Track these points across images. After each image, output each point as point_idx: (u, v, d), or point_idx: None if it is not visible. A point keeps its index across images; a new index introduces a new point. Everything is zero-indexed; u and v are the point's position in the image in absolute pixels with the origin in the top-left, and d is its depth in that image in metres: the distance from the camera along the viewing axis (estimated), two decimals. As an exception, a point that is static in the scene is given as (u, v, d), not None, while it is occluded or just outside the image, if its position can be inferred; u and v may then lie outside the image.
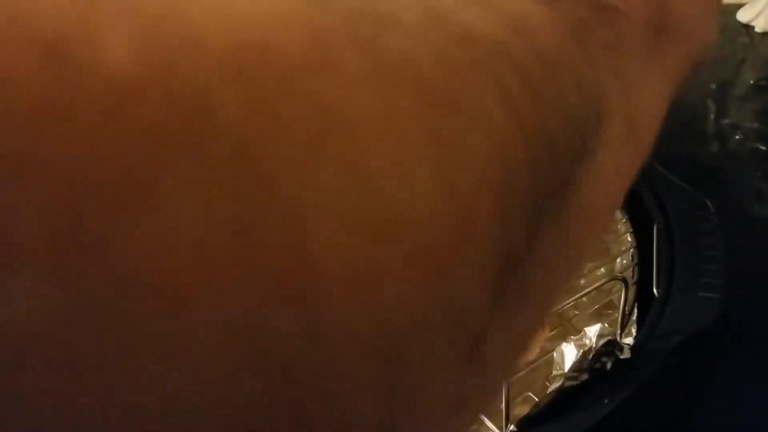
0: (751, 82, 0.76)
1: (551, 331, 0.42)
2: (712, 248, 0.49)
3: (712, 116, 0.71)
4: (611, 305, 0.50)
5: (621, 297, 0.41)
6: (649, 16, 0.20)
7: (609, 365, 0.43)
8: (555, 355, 0.41)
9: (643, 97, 0.19)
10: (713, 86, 0.75)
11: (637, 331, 0.46)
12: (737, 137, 0.68)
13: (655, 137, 0.21)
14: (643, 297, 0.49)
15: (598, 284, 0.40)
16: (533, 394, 0.45)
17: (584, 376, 0.42)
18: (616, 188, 0.18)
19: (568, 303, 0.41)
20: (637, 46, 0.19)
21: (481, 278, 0.11)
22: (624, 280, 0.40)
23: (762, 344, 0.49)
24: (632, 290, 0.50)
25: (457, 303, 0.11)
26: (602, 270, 0.54)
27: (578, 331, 0.47)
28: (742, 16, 0.82)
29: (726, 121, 0.71)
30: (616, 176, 0.17)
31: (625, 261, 0.53)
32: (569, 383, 0.41)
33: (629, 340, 0.45)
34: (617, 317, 0.42)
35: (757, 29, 0.81)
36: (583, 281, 0.53)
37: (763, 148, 0.66)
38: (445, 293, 0.10)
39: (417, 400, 0.11)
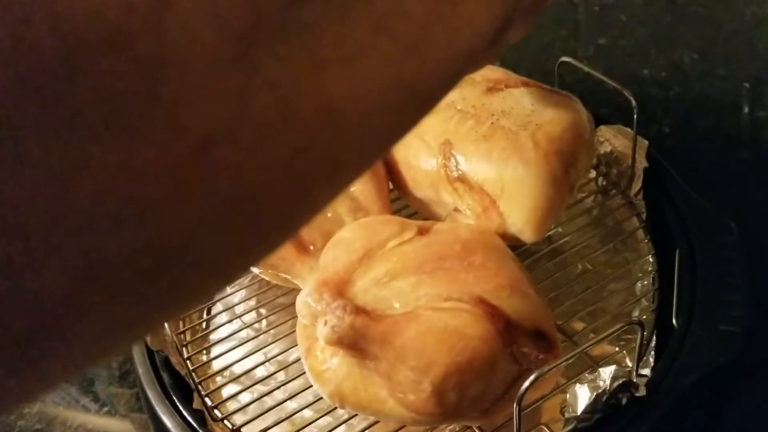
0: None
1: (566, 359, 0.41)
2: (736, 276, 0.48)
3: (745, 116, 0.69)
4: (631, 330, 0.49)
5: (639, 334, 0.40)
6: None
7: (624, 401, 0.42)
8: (568, 396, 0.41)
9: None
10: (746, 85, 0.72)
11: (655, 362, 0.46)
12: (770, 142, 0.66)
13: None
14: (662, 324, 0.48)
15: (612, 330, 0.39)
16: (546, 426, 0.45)
17: (598, 416, 0.41)
18: None
19: (584, 348, 0.40)
20: None
21: None
22: (640, 324, 0.39)
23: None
24: (651, 319, 0.49)
25: None
26: (623, 291, 0.53)
27: (593, 359, 0.47)
28: (781, 7, 0.79)
29: (762, 113, 0.69)
30: None
31: (645, 282, 0.52)
32: (582, 425, 0.40)
33: (646, 371, 0.45)
34: (634, 355, 0.41)
35: (797, 22, 0.77)
36: (604, 297, 0.52)
37: (797, 155, 0.64)
38: None
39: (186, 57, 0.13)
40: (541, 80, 0.62)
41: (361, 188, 0.51)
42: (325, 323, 0.39)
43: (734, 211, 0.57)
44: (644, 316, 0.49)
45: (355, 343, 0.39)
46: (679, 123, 0.69)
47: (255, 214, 0.16)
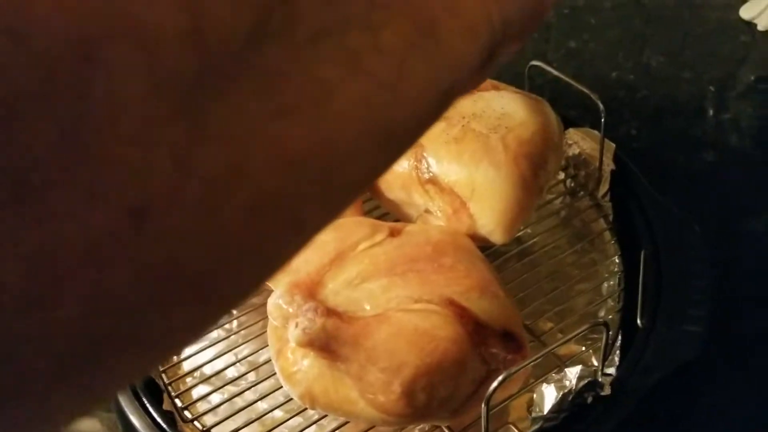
0: (751, 81, 0.74)
1: (533, 359, 0.42)
2: (699, 277, 0.49)
3: (709, 119, 0.70)
4: (597, 330, 0.50)
5: (604, 334, 0.41)
6: None
7: (590, 400, 0.43)
8: (535, 396, 0.41)
9: (442, 8, 0.19)
10: (711, 88, 0.74)
11: (620, 361, 0.47)
12: (733, 143, 0.67)
13: (480, 51, 0.21)
14: (627, 324, 0.49)
15: (578, 331, 0.40)
16: (513, 425, 0.46)
17: (564, 414, 0.42)
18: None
19: (551, 349, 0.40)
20: None
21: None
22: (605, 325, 0.40)
23: (744, 376, 0.49)
24: (616, 319, 0.50)
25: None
26: (590, 291, 0.54)
27: (560, 359, 0.48)
28: (745, 13, 0.80)
29: (726, 116, 0.70)
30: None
31: (612, 282, 0.53)
32: (549, 424, 0.41)
33: (611, 370, 0.46)
34: (600, 354, 0.42)
35: (760, 27, 0.79)
36: (571, 297, 0.53)
37: (758, 157, 0.66)
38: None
39: (115, 113, 0.11)
40: (513, 82, 0.62)
41: (333, 189, 0.52)
42: (297, 325, 0.40)
43: (699, 212, 0.58)
44: (610, 316, 0.51)
45: (326, 344, 0.40)
46: (646, 125, 0.70)
47: (201, 285, 0.14)
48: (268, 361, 0.50)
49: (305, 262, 0.44)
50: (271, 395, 0.48)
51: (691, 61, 0.77)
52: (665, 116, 0.71)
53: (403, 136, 0.19)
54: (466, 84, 0.21)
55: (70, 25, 0.11)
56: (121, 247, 0.12)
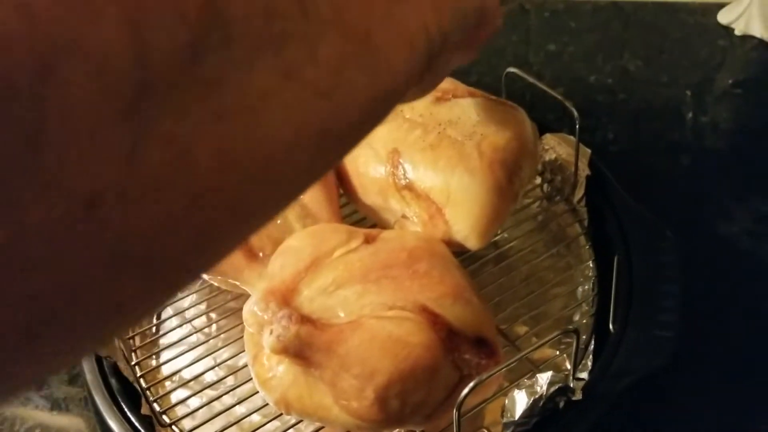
0: (728, 86, 0.75)
1: (504, 365, 0.42)
2: (671, 282, 0.50)
3: (687, 123, 0.71)
4: (570, 334, 0.51)
5: (575, 340, 0.42)
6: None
7: (561, 404, 0.44)
8: (507, 401, 0.42)
9: (377, 20, 0.21)
10: (688, 93, 0.74)
11: (592, 365, 0.47)
12: (709, 147, 0.68)
13: (416, 60, 0.23)
14: (600, 329, 0.50)
15: (549, 337, 0.41)
16: (487, 429, 0.47)
17: (536, 419, 0.43)
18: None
19: (523, 355, 0.41)
20: None
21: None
22: (576, 332, 0.40)
23: (714, 382, 0.50)
24: (590, 323, 0.50)
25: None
26: (565, 296, 0.54)
27: (533, 363, 0.49)
28: (723, 17, 0.81)
29: (703, 119, 0.71)
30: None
31: (586, 287, 0.54)
32: (520, 429, 0.42)
33: (584, 375, 0.46)
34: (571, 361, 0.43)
35: (737, 32, 0.80)
36: (546, 301, 0.54)
37: (734, 161, 0.67)
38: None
39: (68, 120, 0.13)
40: (493, 84, 0.63)
41: (311, 195, 0.52)
42: (271, 332, 0.40)
43: (674, 216, 0.59)
44: (584, 321, 0.51)
45: (300, 351, 0.40)
46: (623, 129, 0.71)
47: (147, 265, 0.16)
48: (246, 365, 0.50)
49: (281, 268, 0.44)
50: (249, 399, 0.49)
51: (668, 65, 0.78)
52: (643, 120, 0.72)
53: (339, 140, 0.20)
54: (405, 91, 0.22)
55: (29, 44, 0.12)
56: (78, 232, 0.14)
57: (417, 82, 0.23)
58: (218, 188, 0.16)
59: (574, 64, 0.80)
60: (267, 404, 0.47)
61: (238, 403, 0.49)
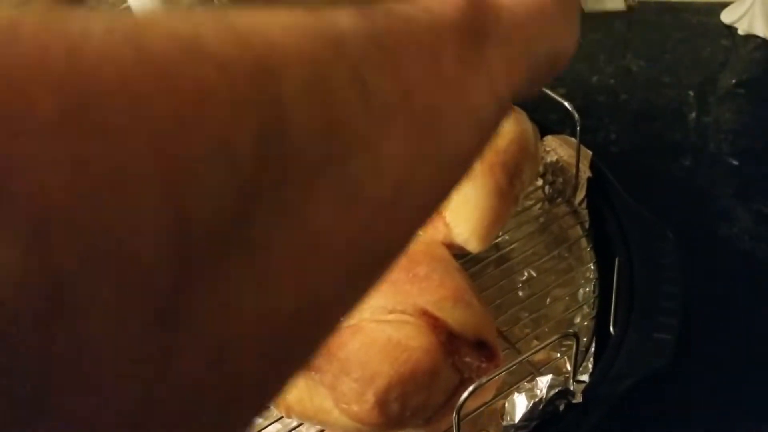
0: (731, 85, 0.75)
1: (504, 368, 0.43)
2: (671, 284, 0.50)
3: (689, 123, 0.71)
4: (571, 337, 0.51)
5: (574, 344, 0.42)
6: (462, 23, 0.20)
7: (561, 407, 0.44)
8: (507, 405, 0.42)
9: (447, 98, 0.19)
10: (691, 93, 0.74)
11: (593, 367, 0.47)
12: (711, 148, 0.68)
13: (485, 132, 0.21)
14: (601, 331, 0.50)
15: (549, 342, 0.41)
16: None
17: (535, 422, 0.43)
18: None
19: (523, 358, 0.41)
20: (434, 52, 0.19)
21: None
22: (575, 336, 0.40)
23: (714, 384, 0.50)
24: (590, 325, 0.51)
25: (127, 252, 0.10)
26: (566, 298, 0.54)
27: (534, 366, 0.49)
28: (726, 17, 0.81)
29: (705, 120, 0.71)
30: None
31: (588, 289, 0.54)
32: (520, 432, 0.42)
33: (585, 377, 0.46)
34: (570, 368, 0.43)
35: (740, 31, 0.80)
36: (547, 303, 0.54)
37: (736, 162, 0.67)
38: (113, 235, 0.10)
39: (81, 357, 0.10)
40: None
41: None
42: (272, 336, 0.40)
43: (675, 217, 0.59)
44: (585, 323, 0.51)
45: (300, 355, 0.40)
46: (625, 129, 0.71)
47: None
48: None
49: (282, 272, 0.44)
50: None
51: (671, 65, 0.78)
52: (644, 121, 0.72)
53: (391, 258, 0.17)
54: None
55: (44, 265, 0.10)
56: None
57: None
58: (256, 383, 0.14)
59: (577, 64, 0.80)
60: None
61: (240, 405, 0.49)
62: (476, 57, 0.21)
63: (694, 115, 0.72)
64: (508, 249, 0.57)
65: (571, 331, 0.40)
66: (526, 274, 0.56)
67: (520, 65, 0.24)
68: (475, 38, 0.21)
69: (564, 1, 0.27)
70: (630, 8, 0.38)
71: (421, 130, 0.17)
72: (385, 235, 0.16)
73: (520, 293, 0.54)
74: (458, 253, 0.51)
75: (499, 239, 0.57)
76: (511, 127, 0.52)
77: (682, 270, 0.50)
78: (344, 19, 0.16)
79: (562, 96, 0.76)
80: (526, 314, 0.53)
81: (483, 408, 0.46)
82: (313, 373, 0.41)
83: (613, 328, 0.48)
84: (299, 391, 0.42)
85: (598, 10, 0.37)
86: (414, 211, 0.17)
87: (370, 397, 0.39)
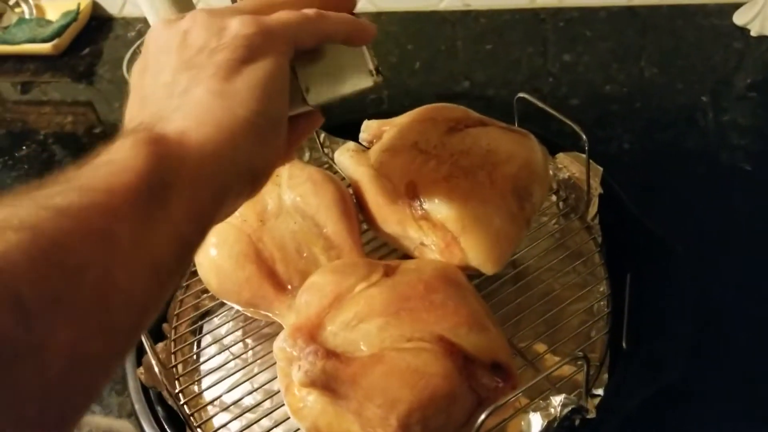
0: (745, 88, 0.76)
1: (519, 390, 0.45)
2: (681, 299, 0.52)
3: (702, 130, 0.72)
4: (591, 349, 0.53)
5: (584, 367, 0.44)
6: (141, 188, 0.27)
7: (577, 422, 0.46)
8: (523, 424, 0.45)
9: (121, 267, 0.26)
10: (704, 98, 0.75)
11: (608, 380, 0.50)
12: (725, 155, 0.69)
13: (167, 270, 0.28)
14: (614, 345, 0.52)
15: (561, 363, 0.43)
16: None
17: (551, 438, 0.45)
18: None
19: (536, 381, 0.44)
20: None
21: None
22: (585, 358, 0.43)
23: (726, 397, 0.51)
24: (604, 340, 0.53)
25: None
26: (582, 312, 0.56)
27: (550, 381, 0.51)
28: (739, 18, 0.82)
29: (719, 126, 0.72)
30: None
31: (602, 303, 0.56)
32: (535, 449, 0.44)
33: (600, 391, 0.49)
34: (581, 390, 0.45)
35: (753, 33, 0.80)
36: (564, 318, 0.56)
37: (749, 168, 0.68)
38: None
39: None
40: (509, 97, 0.65)
41: (334, 228, 0.55)
42: (299, 368, 0.43)
43: (687, 227, 0.61)
44: (600, 336, 0.53)
45: (326, 384, 0.43)
46: (639, 139, 0.72)
47: None
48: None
49: (306, 305, 0.48)
50: (285, 422, 0.53)
51: (684, 70, 0.79)
52: (658, 129, 0.73)
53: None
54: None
55: None
56: None
57: None
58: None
59: (589, 74, 0.81)
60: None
61: (276, 426, 0.53)
62: (158, 212, 0.27)
63: (707, 121, 0.73)
64: (524, 266, 0.59)
65: (580, 353, 0.42)
66: (542, 290, 0.58)
67: (205, 198, 0.30)
68: (157, 195, 0.27)
69: (255, 124, 0.32)
70: (375, 83, 0.41)
71: (88, 310, 0.24)
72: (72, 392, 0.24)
73: (537, 309, 0.56)
74: (475, 273, 0.54)
75: (516, 256, 0.60)
76: (520, 152, 0.54)
77: (693, 284, 0.52)
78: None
79: (575, 106, 0.78)
80: (543, 330, 0.55)
81: (501, 424, 0.49)
82: (339, 400, 0.44)
83: (626, 343, 0.50)
84: (328, 416, 0.45)
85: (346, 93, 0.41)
86: (96, 369, 0.25)
87: (393, 422, 0.42)
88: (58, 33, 1.03)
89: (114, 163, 0.27)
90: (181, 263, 0.30)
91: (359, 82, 0.40)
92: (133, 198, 0.26)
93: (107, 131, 0.90)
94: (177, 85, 0.33)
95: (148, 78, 0.34)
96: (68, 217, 0.24)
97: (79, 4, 1.07)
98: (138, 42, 1.01)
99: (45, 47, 1.02)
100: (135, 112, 0.34)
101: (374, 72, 0.41)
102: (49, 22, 1.07)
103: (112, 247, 0.25)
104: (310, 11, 0.36)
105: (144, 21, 1.02)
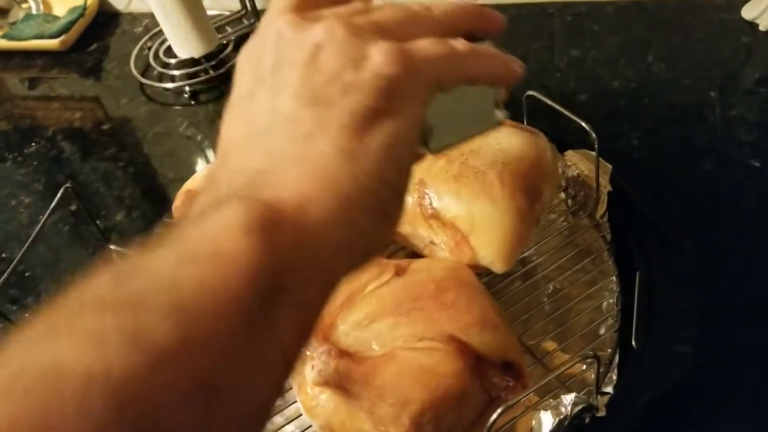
0: (754, 83, 0.76)
1: (530, 390, 0.45)
2: (691, 297, 0.52)
3: (710, 125, 0.72)
4: (600, 347, 0.54)
5: (595, 366, 0.45)
6: (254, 291, 0.23)
7: (587, 420, 0.47)
8: (533, 423, 0.45)
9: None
10: (712, 94, 0.75)
11: (618, 378, 0.50)
12: (734, 150, 0.69)
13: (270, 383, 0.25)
14: (624, 344, 0.52)
15: (570, 365, 0.43)
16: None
17: (562, 436, 0.46)
18: None
19: (545, 381, 0.44)
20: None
21: None
22: (596, 358, 0.43)
23: (734, 397, 0.52)
24: (613, 338, 0.53)
25: None
26: (591, 310, 0.57)
27: (560, 379, 0.51)
28: (747, 13, 0.81)
29: (727, 121, 0.72)
30: None
31: (611, 301, 0.57)
32: (546, 448, 0.45)
33: (609, 389, 0.49)
34: (592, 388, 0.45)
35: (762, 27, 0.80)
36: (573, 316, 0.57)
37: (758, 164, 0.68)
38: None
39: None
40: (516, 93, 0.65)
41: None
42: (312, 367, 0.44)
43: (696, 224, 0.61)
44: (609, 334, 0.54)
45: (339, 384, 0.44)
46: (647, 135, 0.72)
47: None
48: (292, 387, 0.55)
49: (319, 304, 0.48)
50: (297, 419, 0.53)
51: (692, 65, 0.79)
52: (666, 124, 0.73)
53: None
54: None
55: None
56: None
57: None
58: None
59: (597, 69, 0.81)
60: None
61: (288, 423, 0.53)
62: (265, 332, 0.23)
63: (715, 116, 0.73)
64: (533, 264, 0.60)
65: (590, 352, 0.43)
66: (551, 287, 0.58)
67: (316, 299, 0.26)
68: (266, 309, 0.23)
69: (379, 196, 0.27)
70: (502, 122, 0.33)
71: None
72: None
73: (546, 307, 0.56)
74: (484, 272, 0.54)
75: (525, 254, 0.60)
76: (530, 151, 0.54)
77: (702, 282, 0.52)
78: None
79: (583, 102, 0.78)
80: (553, 328, 0.55)
81: (511, 422, 0.49)
82: (351, 399, 0.44)
83: (635, 342, 0.50)
84: (341, 415, 0.45)
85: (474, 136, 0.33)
86: None
87: (405, 421, 0.43)
88: (66, 29, 1.04)
89: (218, 243, 0.23)
90: (282, 389, 0.26)
91: (488, 120, 0.33)
92: (239, 320, 0.22)
93: (115, 127, 0.90)
94: (300, 124, 0.27)
95: (264, 90, 0.28)
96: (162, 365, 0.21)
97: (86, 0, 1.07)
98: (145, 38, 1.01)
99: (52, 43, 1.02)
100: (241, 134, 0.28)
101: (502, 106, 0.33)
102: (57, 17, 1.08)
103: (211, 407, 0.22)
104: (460, 45, 0.29)
105: (151, 16, 1.02)
